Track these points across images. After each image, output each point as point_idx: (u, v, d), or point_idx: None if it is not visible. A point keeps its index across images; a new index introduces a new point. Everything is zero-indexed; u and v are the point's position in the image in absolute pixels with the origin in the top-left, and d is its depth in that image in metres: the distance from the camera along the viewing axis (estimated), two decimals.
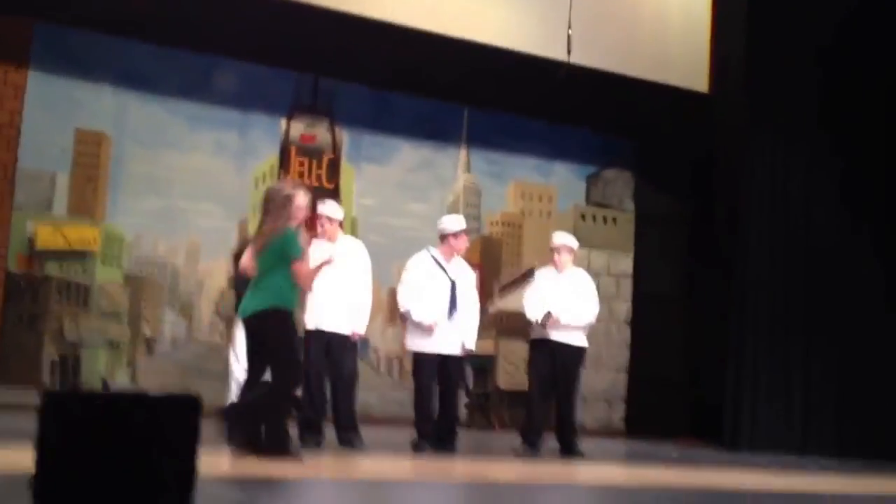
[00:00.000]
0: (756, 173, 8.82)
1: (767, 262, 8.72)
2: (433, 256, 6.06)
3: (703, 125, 9.45)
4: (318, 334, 5.67)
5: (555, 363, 6.24)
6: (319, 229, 5.90)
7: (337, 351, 5.72)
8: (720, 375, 8.62)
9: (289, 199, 4.77)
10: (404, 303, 5.96)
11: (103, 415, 2.45)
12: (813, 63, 8.82)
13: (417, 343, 5.93)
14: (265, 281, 4.63)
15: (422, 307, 5.88)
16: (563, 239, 6.52)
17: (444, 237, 6.08)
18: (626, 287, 10.48)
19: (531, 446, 6.21)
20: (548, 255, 6.61)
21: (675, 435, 9.33)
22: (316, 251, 5.69)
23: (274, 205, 4.78)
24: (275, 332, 4.57)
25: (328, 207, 5.93)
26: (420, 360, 5.92)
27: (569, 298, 6.29)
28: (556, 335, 6.25)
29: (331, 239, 5.84)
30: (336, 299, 5.69)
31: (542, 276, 6.53)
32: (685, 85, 9.30)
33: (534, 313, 6.28)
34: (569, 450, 6.25)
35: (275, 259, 4.62)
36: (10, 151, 8.05)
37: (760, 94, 8.83)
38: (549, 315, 6.17)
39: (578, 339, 6.35)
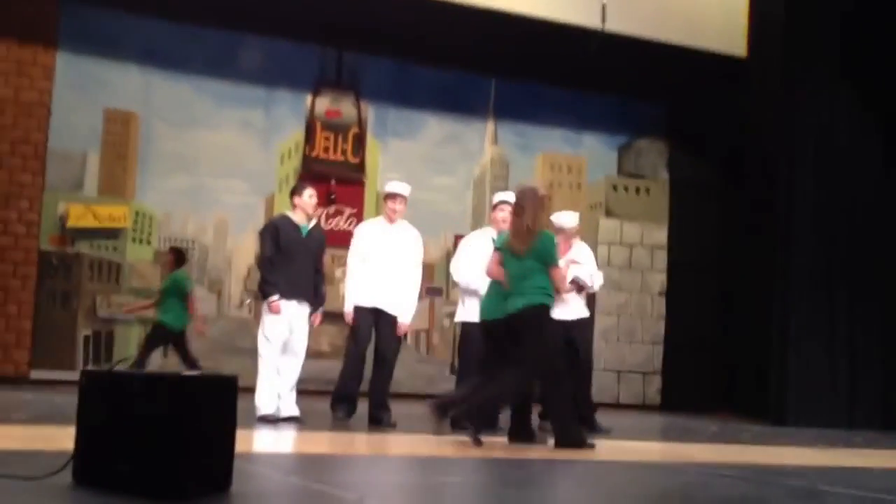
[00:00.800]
0: (794, 138, 8.57)
1: (809, 229, 8.43)
2: (486, 232, 6.07)
3: (740, 90, 9.19)
4: (368, 312, 5.70)
5: (571, 340, 6.15)
6: (391, 208, 5.85)
7: (384, 330, 5.73)
8: (762, 348, 8.41)
9: (545, 200, 4.96)
10: (467, 277, 5.89)
11: (141, 395, 2.44)
12: (854, 25, 8.54)
13: (470, 314, 5.89)
14: (531, 282, 4.75)
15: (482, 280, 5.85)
16: (574, 221, 6.37)
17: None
18: (661, 258, 10.32)
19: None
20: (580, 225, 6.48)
21: (713, 409, 9.17)
22: (374, 232, 5.79)
23: (530, 205, 4.90)
24: (540, 326, 4.72)
25: (400, 186, 5.89)
26: (470, 330, 5.89)
27: (573, 269, 6.20)
28: (566, 313, 6.13)
29: (391, 220, 5.82)
30: (389, 281, 5.71)
31: None
32: (722, 49, 9.04)
33: None
34: (591, 427, 6.17)
35: (537, 262, 4.79)
36: (41, 132, 8.09)
37: (799, 56, 8.57)
38: (575, 281, 6.06)
39: (583, 311, 6.29)
